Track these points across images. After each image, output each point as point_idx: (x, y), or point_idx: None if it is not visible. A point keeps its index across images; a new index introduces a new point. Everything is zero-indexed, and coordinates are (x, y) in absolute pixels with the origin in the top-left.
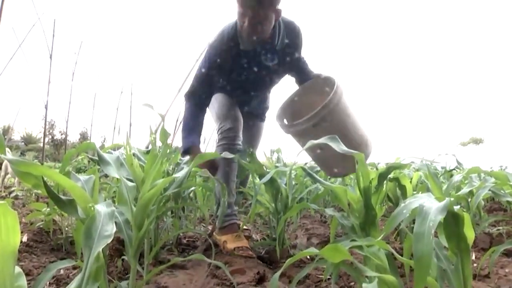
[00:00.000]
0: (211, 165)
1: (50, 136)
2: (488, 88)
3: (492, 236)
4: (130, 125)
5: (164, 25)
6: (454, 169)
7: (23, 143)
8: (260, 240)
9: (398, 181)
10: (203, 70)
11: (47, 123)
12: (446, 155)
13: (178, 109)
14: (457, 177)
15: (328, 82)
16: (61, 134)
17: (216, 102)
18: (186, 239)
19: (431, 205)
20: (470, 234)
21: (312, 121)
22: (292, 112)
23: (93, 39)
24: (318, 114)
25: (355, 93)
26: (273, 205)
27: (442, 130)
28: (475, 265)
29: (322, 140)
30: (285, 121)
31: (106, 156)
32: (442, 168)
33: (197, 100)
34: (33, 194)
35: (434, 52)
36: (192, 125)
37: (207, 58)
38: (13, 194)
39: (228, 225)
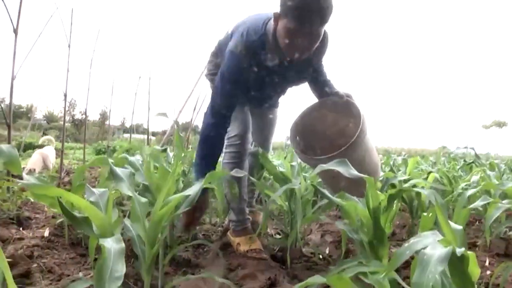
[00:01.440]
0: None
1: (70, 116)
2: None
3: (509, 241)
4: (149, 109)
5: (184, 10)
6: (473, 162)
7: (45, 122)
8: (275, 234)
9: (414, 186)
10: (227, 85)
11: (67, 103)
12: (465, 148)
13: (197, 94)
14: (470, 192)
15: (350, 107)
16: (81, 114)
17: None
18: (202, 233)
19: (434, 252)
20: (475, 271)
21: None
22: (304, 127)
23: (112, 24)
24: (342, 154)
25: (379, 78)
26: (286, 203)
27: (465, 113)
28: (488, 272)
29: (330, 165)
30: (298, 139)
31: (119, 171)
32: (461, 157)
33: (220, 122)
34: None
35: (456, 36)
36: (211, 154)
37: (231, 71)
38: None
39: (241, 229)
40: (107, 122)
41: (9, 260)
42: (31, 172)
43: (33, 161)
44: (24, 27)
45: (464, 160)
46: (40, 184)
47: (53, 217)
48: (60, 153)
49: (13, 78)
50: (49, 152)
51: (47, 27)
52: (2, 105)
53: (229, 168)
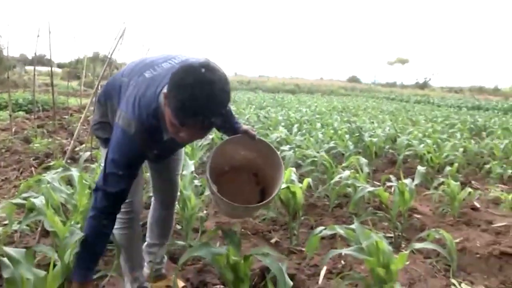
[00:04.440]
0: None
1: None
2: (414, 12)
3: None
4: (49, 32)
5: None
6: (359, 135)
7: None
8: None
9: (289, 188)
10: (121, 166)
11: None
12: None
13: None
14: (345, 173)
15: (262, 146)
16: None
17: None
18: None
19: None
20: None
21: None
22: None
23: None
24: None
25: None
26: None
27: (371, 50)
28: None
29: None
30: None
31: (13, 253)
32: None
33: (109, 219)
34: None
35: None
36: (96, 251)
37: (125, 153)
38: None
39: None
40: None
41: None
42: None
43: None
44: None
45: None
46: None
47: None
48: None
49: None
50: None
51: None
52: None
53: (119, 236)
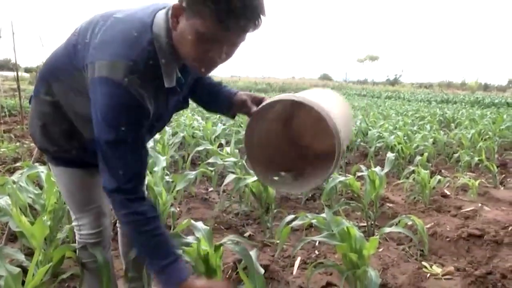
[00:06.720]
0: None
1: None
2: (382, 10)
3: None
4: (13, 33)
5: None
6: None
7: None
8: None
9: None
10: (127, 135)
11: None
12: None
13: None
14: None
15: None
16: None
17: (61, 181)
18: None
19: None
20: None
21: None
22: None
23: None
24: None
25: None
26: None
27: (341, 47)
28: None
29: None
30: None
31: None
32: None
33: (136, 196)
34: None
35: None
36: (161, 241)
37: (121, 112)
38: None
39: None
40: None
41: None
42: None
43: None
44: None
45: None
46: None
47: None
48: None
49: None
50: None
51: None
52: None
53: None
